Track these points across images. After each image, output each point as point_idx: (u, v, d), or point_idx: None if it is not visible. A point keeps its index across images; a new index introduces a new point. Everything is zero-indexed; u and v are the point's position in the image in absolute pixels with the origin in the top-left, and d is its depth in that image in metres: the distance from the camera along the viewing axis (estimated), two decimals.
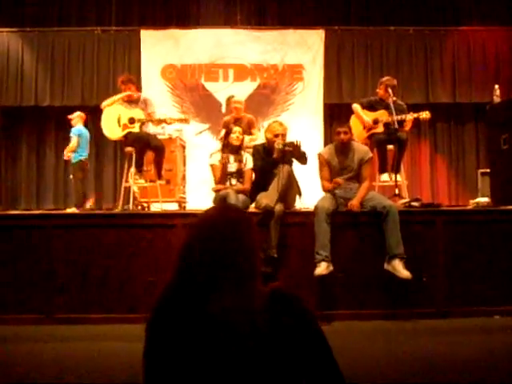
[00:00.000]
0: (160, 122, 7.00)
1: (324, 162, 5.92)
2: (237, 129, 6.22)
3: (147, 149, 6.95)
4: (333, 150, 5.94)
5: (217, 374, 1.58)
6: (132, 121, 6.84)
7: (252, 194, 6.04)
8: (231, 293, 1.63)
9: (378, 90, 7.21)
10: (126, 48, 10.45)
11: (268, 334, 1.60)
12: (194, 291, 1.64)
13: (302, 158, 6.04)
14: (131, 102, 7.02)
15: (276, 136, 6.00)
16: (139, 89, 7.32)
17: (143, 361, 1.69)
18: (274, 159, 5.90)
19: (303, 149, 6.07)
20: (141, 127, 6.88)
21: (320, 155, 6.01)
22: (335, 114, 10.50)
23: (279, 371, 1.60)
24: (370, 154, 6.02)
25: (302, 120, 10.07)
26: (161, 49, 10.35)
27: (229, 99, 8.14)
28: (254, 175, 6.25)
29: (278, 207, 5.50)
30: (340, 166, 5.86)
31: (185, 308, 1.64)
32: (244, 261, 1.69)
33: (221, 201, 5.62)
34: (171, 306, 1.67)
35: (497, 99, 7.31)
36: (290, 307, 1.67)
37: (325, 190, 5.87)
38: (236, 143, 6.16)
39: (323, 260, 5.27)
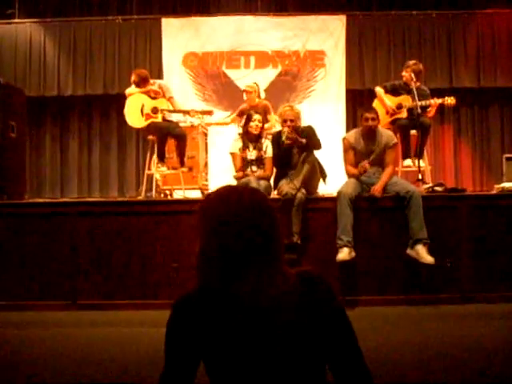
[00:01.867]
0: (184, 113, 7.05)
1: (349, 147, 5.89)
2: (257, 117, 6.20)
3: (168, 138, 6.98)
4: (358, 135, 5.90)
5: (245, 354, 1.59)
6: (155, 111, 6.87)
7: (275, 182, 6.04)
8: (260, 273, 1.62)
9: (403, 74, 7.11)
10: (147, 36, 10.46)
11: (295, 315, 1.60)
12: (223, 272, 1.63)
13: (316, 144, 5.96)
14: (147, 92, 7.06)
15: (285, 121, 5.94)
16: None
17: (166, 342, 1.69)
18: (285, 147, 5.87)
19: (318, 134, 6.00)
20: (163, 116, 6.91)
21: (345, 139, 5.98)
22: (357, 100, 10.44)
23: (305, 351, 1.60)
24: (395, 140, 5.98)
25: (324, 106, 10.02)
26: (182, 37, 10.34)
27: (245, 90, 8.13)
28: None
29: (300, 194, 5.49)
30: (365, 150, 5.82)
31: (213, 289, 1.64)
32: (271, 240, 1.68)
33: None
34: (199, 289, 1.67)
35: None
36: (317, 289, 1.67)
37: (349, 174, 5.84)
38: (256, 132, 6.15)
39: (345, 245, 5.25)
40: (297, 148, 5.84)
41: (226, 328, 1.60)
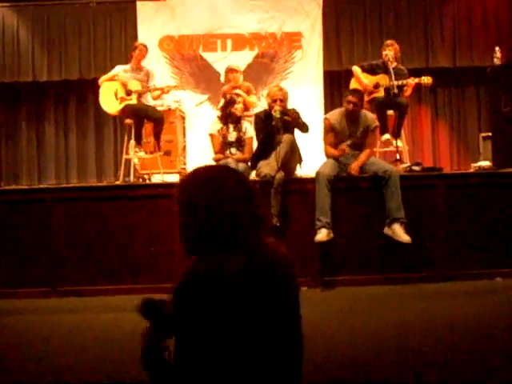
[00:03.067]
0: (157, 90, 7.01)
1: (330, 127, 5.86)
2: (240, 99, 6.21)
3: (145, 120, 6.95)
4: (341, 116, 5.86)
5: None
6: (129, 93, 6.83)
7: (253, 163, 6.02)
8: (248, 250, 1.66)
9: (384, 53, 7.07)
10: (122, 20, 10.31)
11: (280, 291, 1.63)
12: (214, 250, 1.66)
13: (303, 127, 6.00)
14: (137, 69, 7.12)
15: (274, 101, 5.92)
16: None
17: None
18: (274, 126, 5.86)
19: (303, 118, 6.03)
20: (138, 99, 6.87)
21: (326, 119, 5.95)
22: (335, 81, 10.42)
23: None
24: (377, 123, 6.00)
25: (301, 88, 9.96)
26: (157, 20, 10.21)
27: (227, 69, 8.09)
28: (256, 143, 6.23)
29: (279, 176, 5.49)
30: (345, 132, 5.81)
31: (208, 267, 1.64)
32: (254, 219, 1.71)
33: None
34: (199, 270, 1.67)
35: (497, 62, 7.23)
36: (287, 267, 1.69)
37: (328, 155, 5.84)
38: (239, 113, 6.16)
39: (324, 226, 5.27)
40: (282, 129, 5.83)
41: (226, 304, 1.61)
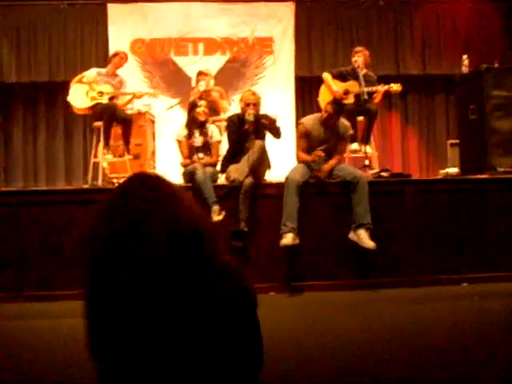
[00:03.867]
0: (127, 95, 7.01)
1: (304, 132, 5.87)
2: (202, 103, 6.14)
3: (114, 121, 6.90)
4: (316, 122, 5.87)
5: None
6: (101, 94, 6.81)
7: (223, 166, 6.01)
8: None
9: (353, 59, 7.13)
10: (93, 22, 10.21)
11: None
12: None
13: (276, 133, 6.00)
14: (112, 74, 7.12)
15: (247, 105, 5.90)
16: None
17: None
18: (246, 130, 5.86)
19: (278, 123, 6.04)
20: (110, 100, 6.85)
21: (302, 124, 5.95)
22: (306, 87, 10.45)
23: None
24: (351, 131, 6.04)
25: (272, 93, 9.98)
26: (129, 23, 10.15)
27: (197, 73, 8.08)
28: (228, 146, 6.21)
29: (248, 181, 5.48)
30: (320, 138, 5.82)
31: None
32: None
33: (189, 176, 5.58)
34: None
35: (465, 70, 7.33)
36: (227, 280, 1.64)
37: (300, 160, 5.84)
38: (202, 119, 6.07)
39: (289, 231, 5.27)
40: (254, 134, 5.83)
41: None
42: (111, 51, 9.81)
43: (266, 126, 5.90)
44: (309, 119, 6.04)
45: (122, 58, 7.24)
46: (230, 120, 6.19)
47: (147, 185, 1.54)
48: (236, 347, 1.61)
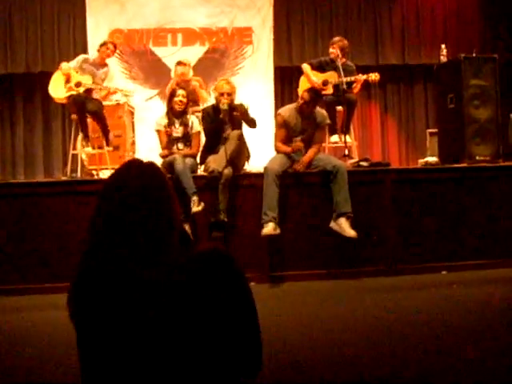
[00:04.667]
0: (103, 90, 6.97)
1: (282, 123, 5.87)
2: (180, 92, 6.05)
3: (86, 113, 6.82)
4: (293, 112, 5.88)
5: (141, 338, 1.55)
6: (78, 85, 6.73)
7: (202, 157, 6.00)
8: (150, 256, 1.59)
9: (330, 50, 7.15)
10: (70, 12, 10.08)
11: (181, 293, 1.56)
12: (112, 259, 1.59)
13: (251, 122, 6.00)
14: (98, 64, 7.08)
15: (221, 95, 5.91)
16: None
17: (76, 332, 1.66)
18: (221, 119, 5.86)
19: (251, 113, 6.03)
20: (87, 92, 6.77)
21: (279, 115, 5.95)
22: (286, 77, 10.44)
23: (201, 330, 1.57)
24: (328, 121, 6.05)
25: (252, 83, 9.97)
26: (107, 13, 10.03)
27: (176, 62, 8.04)
28: (204, 138, 6.20)
29: (227, 171, 5.47)
30: (298, 128, 5.84)
31: (106, 276, 1.59)
32: (158, 213, 1.65)
33: (168, 166, 5.55)
34: (92, 276, 1.62)
35: (443, 59, 7.36)
36: (216, 267, 1.64)
37: (279, 151, 5.84)
38: (179, 109, 6.00)
39: (270, 221, 5.27)
40: (230, 124, 5.83)
41: (111, 303, 1.56)
42: (89, 42, 9.78)
43: (238, 116, 5.89)
44: (286, 109, 6.05)
45: (108, 48, 7.13)
46: (204, 111, 6.17)
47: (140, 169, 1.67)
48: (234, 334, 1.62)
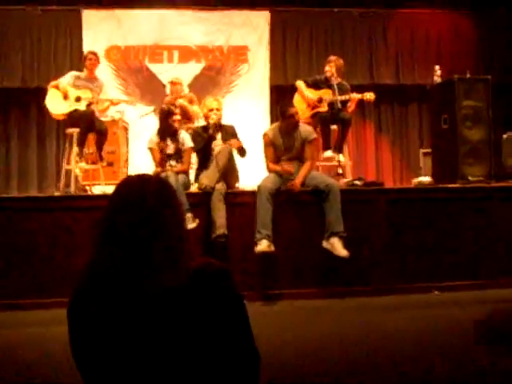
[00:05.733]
0: (105, 102, 6.99)
1: (269, 142, 5.92)
2: (178, 111, 6.18)
3: (91, 129, 6.85)
4: (277, 130, 5.94)
5: (142, 351, 1.56)
6: (78, 99, 6.78)
7: (196, 175, 6.04)
8: (155, 268, 1.60)
9: (326, 69, 7.19)
10: (67, 28, 10.13)
11: (180, 307, 1.57)
12: (116, 269, 1.60)
13: (243, 153, 6.08)
14: (90, 78, 7.09)
15: (210, 110, 6.08)
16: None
17: (71, 346, 1.66)
18: (211, 135, 5.99)
19: (242, 141, 6.14)
20: (87, 106, 6.81)
21: (265, 135, 6.00)
22: (281, 96, 10.45)
23: (198, 345, 1.58)
24: (314, 135, 6.06)
25: (247, 101, 10.03)
26: (104, 29, 10.10)
27: (168, 82, 8.10)
28: (196, 157, 6.24)
29: (220, 186, 5.51)
30: (284, 145, 5.88)
31: (108, 287, 1.60)
32: (164, 226, 1.66)
33: None
34: (94, 287, 1.63)
35: (437, 79, 7.41)
36: (213, 281, 1.64)
37: (269, 170, 5.88)
38: (177, 125, 6.10)
39: (264, 238, 5.27)
40: (220, 139, 5.99)
41: (113, 316, 1.57)
42: None
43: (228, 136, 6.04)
44: (270, 129, 6.15)
45: (90, 59, 7.18)
46: (195, 132, 6.28)
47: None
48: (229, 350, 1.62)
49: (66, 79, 6.99)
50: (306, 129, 5.96)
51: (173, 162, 5.97)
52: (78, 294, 1.65)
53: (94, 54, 7.33)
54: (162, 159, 5.95)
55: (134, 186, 1.70)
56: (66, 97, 6.80)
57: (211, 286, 1.62)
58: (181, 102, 7.53)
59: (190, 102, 7.60)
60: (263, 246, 5.25)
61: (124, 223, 1.62)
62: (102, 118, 7.32)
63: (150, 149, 6.04)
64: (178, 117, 6.11)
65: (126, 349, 1.56)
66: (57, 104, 6.84)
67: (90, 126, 6.84)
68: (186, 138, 6.06)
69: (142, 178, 1.74)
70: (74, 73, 7.20)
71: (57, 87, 6.87)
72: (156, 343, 1.55)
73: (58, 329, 4.43)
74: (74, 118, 6.84)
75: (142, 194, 1.66)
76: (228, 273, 1.69)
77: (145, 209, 1.63)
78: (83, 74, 7.14)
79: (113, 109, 7.77)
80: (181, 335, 1.56)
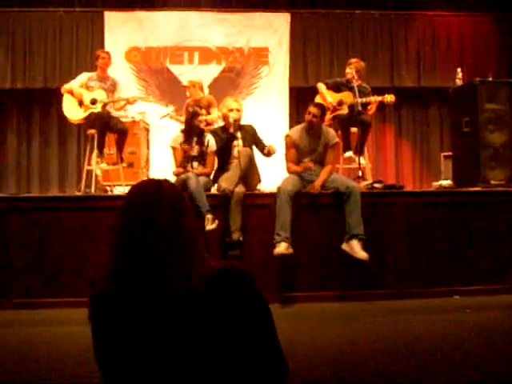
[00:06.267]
0: (121, 100, 7.00)
1: (291, 144, 5.89)
2: (204, 111, 6.19)
3: (109, 130, 6.89)
4: (302, 132, 5.91)
5: (163, 353, 1.55)
6: (94, 102, 6.78)
7: (215, 177, 6.03)
8: (173, 271, 1.60)
9: (347, 71, 7.19)
10: (89, 30, 10.23)
11: (203, 310, 1.57)
12: (134, 273, 1.60)
13: (261, 145, 6.18)
14: (103, 78, 7.07)
15: (230, 110, 6.08)
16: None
17: (95, 347, 1.66)
18: (231, 135, 5.98)
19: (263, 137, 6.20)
20: (103, 108, 6.82)
21: (288, 136, 5.98)
22: (301, 98, 10.47)
23: (220, 348, 1.57)
24: (337, 139, 6.03)
25: (267, 103, 10.04)
26: (125, 31, 10.17)
27: (187, 83, 8.13)
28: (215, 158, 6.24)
29: (238, 189, 5.50)
30: (307, 148, 5.84)
31: (128, 290, 1.60)
32: (178, 231, 1.65)
33: (181, 184, 5.56)
34: (113, 291, 1.63)
35: (459, 82, 7.36)
36: (236, 284, 1.64)
37: (290, 171, 5.85)
38: (202, 126, 6.11)
39: (283, 240, 5.26)
40: (240, 141, 5.97)
41: (133, 321, 1.57)
42: None
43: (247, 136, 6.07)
44: (294, 130, 6.11)
45: (103, 58, 7.14)
46: (213, 133, 6.24)
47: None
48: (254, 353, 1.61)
49: (79, 81, 7.00)
50: (329, 132, 5.93)
51: (195, 164, 5.93)
52: (98, 300, 1.65)
53: (107, 52, 7.32)
54: (184, 160, 5.93)
55: (142, 194, 1.69)
56: (81, 102, 6.81)
57: (236, 290, 1.61)
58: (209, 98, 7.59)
59: (209, 104, 7.58)
60: (282, 248, 5.24)
61: (135, 231, 1.62)
62: (123, 119, 7.35)
63: (173, 148, 6.00)
64: (203, 117, 6.11)
65: (150, 356, 1.56)
66: (73, 110, 6.85)
67: (106, 127, 6.87)
68: (210, 141, 6.01)
69: (150, 185, 1.72)
70: (86, 74, 7.18)
71: (71, 93, 6.87)
72: (180, 351, 1.55)
73: (73, 328, 4.51)
74: (90, 120, 6.87)
75: (152, 201, 1.65)
76: (252, 277, 1.68)
77: (155, 216, 1.63)
78: (95, 74, 7.11)
79: (134, 109, 7.81)
80: (204, 342, 1.55)
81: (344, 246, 5.37)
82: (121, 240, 1.63)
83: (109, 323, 1.60)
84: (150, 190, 1.68)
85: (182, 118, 6.86)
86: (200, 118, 6.09)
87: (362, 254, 5.25)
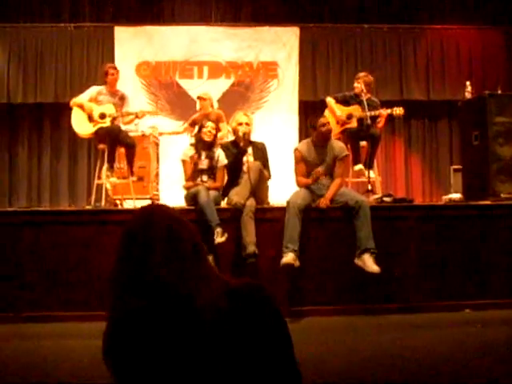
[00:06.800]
0: (130, 115, 7.02)
1: (300, 158, 5.89)
2: (209, 124, 6.10)
3: (118, 143, 6.92)
4: (310, 146, 5.92)
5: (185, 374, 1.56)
6: (103, 116, 6.82)
7: (225, 191, 6.03)
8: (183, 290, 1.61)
9: (355, 85, 7.22)
10: (99, 45, 10.33)
11: (223, 325, 1.58)
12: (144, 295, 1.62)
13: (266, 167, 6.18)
14: (112, 92, 7.10)
15: (240, 124, 6.11)
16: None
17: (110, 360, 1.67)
18: (241, 149, 5.98)
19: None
20: (112, 122, 6.86)
21: (297, 151, 5.98)
22: (310, 112, 10.46)
23: (237, 363, 1.58)
24: (346, 152, 6.03)
25: (276, 117, 10.08)
26: (135, 45, 10.26)
27: (197, 97, 8.17)
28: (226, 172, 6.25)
29: (250, 202, 5.49)
30: (316, 161, 5.84)
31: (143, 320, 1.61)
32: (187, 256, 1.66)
33: (192, 198, 5.57)
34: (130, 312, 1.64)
35: (468, 96, 7.36)
36: (253, 302, 1.65)
37: (300, 185, 5.85)
38: (208, 139, 6.03)
39: (290, 252, 5.24)
40: (251, 155, 5.98)
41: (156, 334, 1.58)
42: None
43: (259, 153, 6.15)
44: (302, 144, 6.11)
45: (112, 74, 7.16)
46: (223, 147, 6.24)
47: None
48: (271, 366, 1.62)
49: (88, 94, 7.05)
50: (338, 145, 5.93)
51: (205, 178, 5.94)
52: (115, 326, 1.66)
53: (115, 67, 7.34)
54: (194, 173, 5.95)
55: (136, 218, 1.74)
56: (90, 117, 6.84)
57: (255, 308, 1.63)
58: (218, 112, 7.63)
59: (218, 119, 7.59)
60: (289, 257, 5.21)
61: (134, 253, 1.66)
62: (133, 133, 7.39)
63: (183, 161, 6.02)
64: (208, 129, 6.04)
65: (170, 374, 1.57)
66: (82, 125, 6.87)
67: (115, 142, 6.90)
68: (220, 155, 6.03)
69: (143, 209, 1.78)
70: (95, 88, 7.21)
71: (81, 107, 6.90)
72: (199, 367, 1.55)
73: (83, 342, 4.52)
74: (100, 134, 6.90)
75: (145, 223, 1.69)
76: (271, 295, 1.69)
77: (147, 238, 1.66)
78: (105, 89, 7.14)
79: (145, 123, 7.85)
80: (222, 358, 1.56)
81: (356, 261, 5.35)
82: (122, 266, 1.65)
83: (128, 351, 1.61)
84: (143, 213, 1.71)
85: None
86: (205, 129, 6.06)
87: (374, 268, 5.23)
